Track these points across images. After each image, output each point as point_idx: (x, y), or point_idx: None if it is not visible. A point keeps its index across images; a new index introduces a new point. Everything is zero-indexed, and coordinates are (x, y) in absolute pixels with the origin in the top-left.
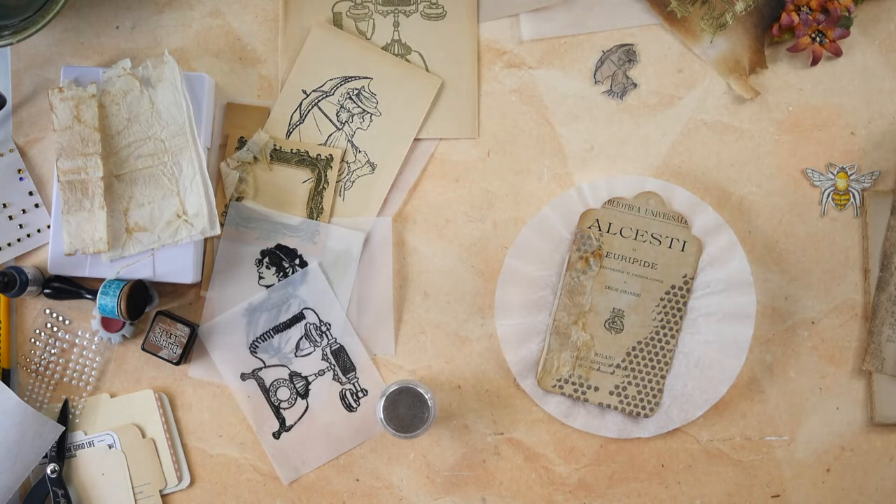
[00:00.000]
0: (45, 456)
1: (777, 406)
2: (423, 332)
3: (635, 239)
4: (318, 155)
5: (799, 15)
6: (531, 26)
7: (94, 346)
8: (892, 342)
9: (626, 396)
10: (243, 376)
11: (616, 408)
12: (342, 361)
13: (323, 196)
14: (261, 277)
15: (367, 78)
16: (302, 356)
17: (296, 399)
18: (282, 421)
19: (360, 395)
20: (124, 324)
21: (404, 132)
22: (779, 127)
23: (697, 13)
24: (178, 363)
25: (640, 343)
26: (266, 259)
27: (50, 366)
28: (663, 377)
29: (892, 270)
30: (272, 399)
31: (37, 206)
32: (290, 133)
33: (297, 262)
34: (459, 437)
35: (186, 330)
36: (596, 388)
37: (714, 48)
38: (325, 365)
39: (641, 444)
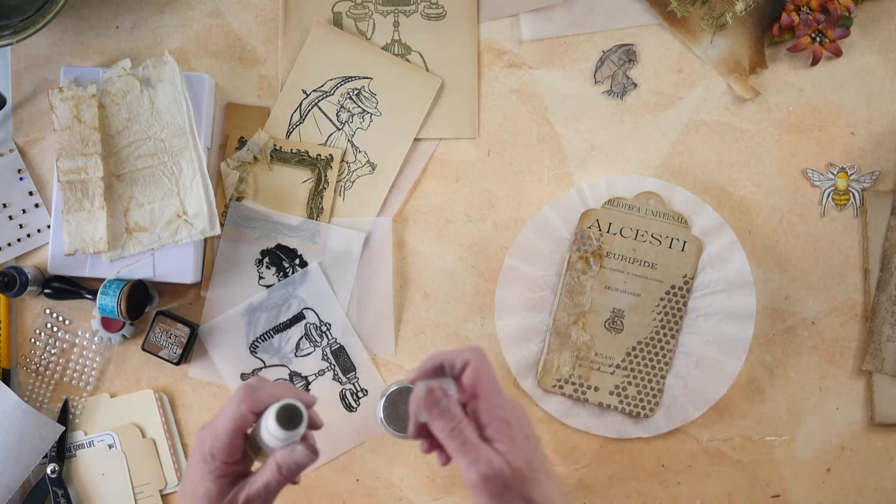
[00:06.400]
0: (45, 456)
1: (777, 406)
2: (423, 332)
3: (635, 239)
4: (318, 155)
5: (799, 15)
6: (531, 26)
7: (94, 346)
8: (892, 342)
9: (626, 396)
10: (243, 376)
11: (616, 408)
12: (342, 361)
13: (323, 196)
14: (261, 277)
15: (367, 78)
16: (302, 356)
17: None
18: None
19: (360, 395)
20: (124, 324)
21: (404, 132)
22: (779, 127)
23: (697, 13)
24: (178, 363)
25: (640, 343)
26: (266, 259)
27: (50, 366)
28: (663, 377)
29: (892, 270)
30: None
31: (37, 206)
32: (290, 133)
33: (297, 262)
34: None
35: (186, 330)
36: (596, 388)
37: (714, 48)
38: (325, 365)
39: (641, 444)
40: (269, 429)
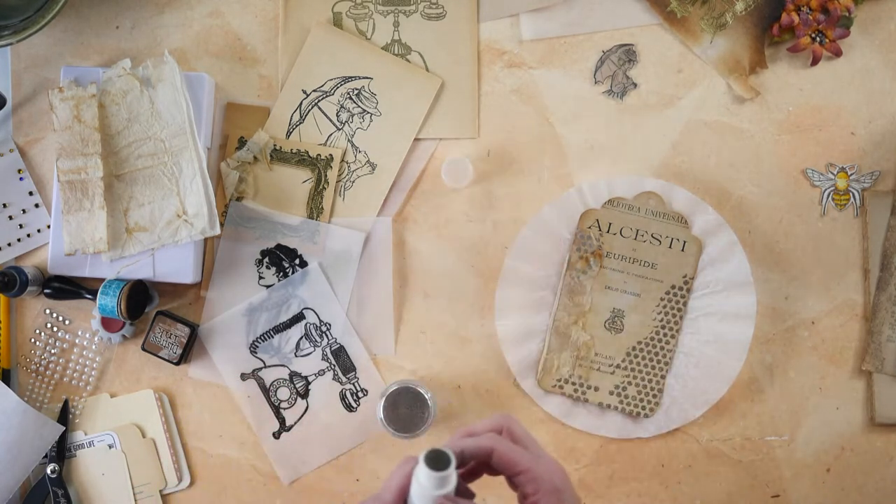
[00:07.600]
0: (45, 456)
1: (777, 406)
2: (423, 332)
3: (635, 239)
4: (318, 155)
5: (799, 15)
6: (531, 26)
7: (94, 346)
8: (892, 342)
9: (626, 396)
10: (243, 376)
11: (616, 408)
12: (342, 361)
13: (323, 196)
14: (261, 277)
15: (367, 78)
16: (302, 356)
17: (296, 399)
18: (282, 421)
19: (360, 395)
20: (124, 324)
21: (404, 132)
22: (779, 127)
23: (697, 13)
24: (178, 363)
25: (640, 343)
26: (266, 259)
27: (50, 366)
28: (663, 377)
29: (892, 270)
30: (272, 399)
31: (37, 206)
32: (290, 133)
33: (297, 262)
34: None
35: (186, 330)
36: (596, 388)
37: (714, 48)
38: (325, 365)
39: (641, 444)
40: (420, 479)
